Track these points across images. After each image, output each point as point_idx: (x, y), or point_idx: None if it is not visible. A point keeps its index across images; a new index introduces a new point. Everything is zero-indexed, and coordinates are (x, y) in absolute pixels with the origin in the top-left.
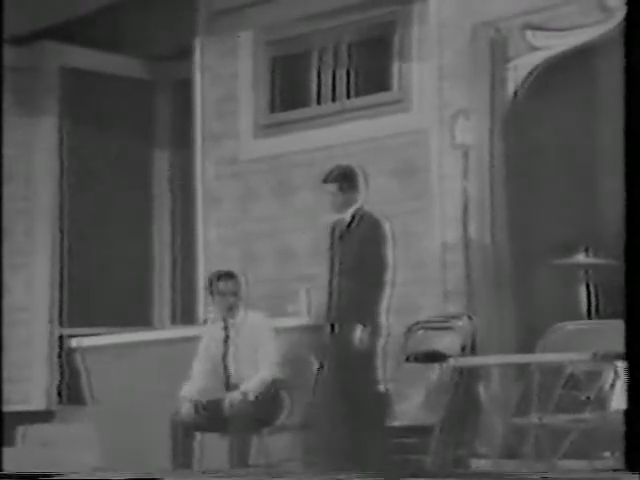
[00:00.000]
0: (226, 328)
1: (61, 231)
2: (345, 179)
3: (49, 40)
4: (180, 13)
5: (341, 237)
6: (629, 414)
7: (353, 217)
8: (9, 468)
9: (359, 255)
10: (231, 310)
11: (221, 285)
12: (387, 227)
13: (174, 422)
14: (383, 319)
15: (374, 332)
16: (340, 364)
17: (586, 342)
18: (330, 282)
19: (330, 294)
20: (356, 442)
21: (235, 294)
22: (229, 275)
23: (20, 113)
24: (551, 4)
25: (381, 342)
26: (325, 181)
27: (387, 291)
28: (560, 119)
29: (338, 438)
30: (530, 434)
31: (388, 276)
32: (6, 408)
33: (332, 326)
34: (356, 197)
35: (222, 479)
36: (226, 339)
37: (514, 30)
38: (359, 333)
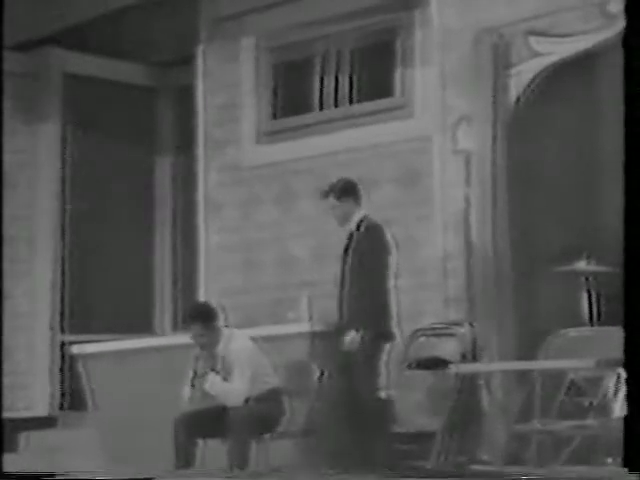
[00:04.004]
0: (213, 357)
1: (63, 238)
2: (344, 191)
3: (52, 46)
4: (182, 20)
5: (348, 246)
6: (629, 419)
7: (358, 226)
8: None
9: (362, 263)
10: (206, 347)
11: (189, 330)
12: (389, 235)
13: (176, 428)
14: (391, 326)
15: (380, 338)
16: (344, 370)
17: (587, 349)
18: (340, 291)
19: (340, 303)
20: (358, 448)
21: (204, 334)
22: (193, 318)
23: (23, 119)
24: (553, 10)
25: (387, 348)
26: (326, 195)
27: (392, 298)
28: (562, 125)
29: (339, 444)
30: (532, 440)
31: (391, 283)
32: (9, 414)
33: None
34: (357, 208)
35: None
36: (212, 369)
37: (517, 36)
38: (351, 337)
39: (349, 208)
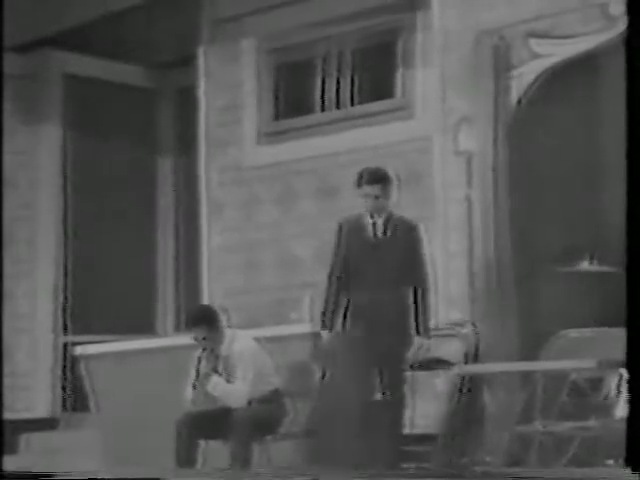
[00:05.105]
0: (216, 358)
1: (64, 238)
2: (386, 182)
3: (52, 48)
4: (183, 21)
5: (376, 244)
6: (630, 420)
7: (386, 222)
8: None
9: (404, 261)
10: (207, 350)
11: (192, 333)
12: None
13: (178, 429)
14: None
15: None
16: (353, 370)
17: (589, 349)
18: (376, 289)
19: (371, 302)
20: (361, 449)
21: (208, 337)
22: (195, 321)
23: (23, 120)
24: (554, 12)
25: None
26: (370, 182)
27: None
28: (564, 126)
29: (341, 445)
30: (534, 442)
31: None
32: (10, 416)
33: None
34: (389, 202)
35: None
36: (214, 371)
37: (517, 38)
38: (418, 342)
39: (385, 202)
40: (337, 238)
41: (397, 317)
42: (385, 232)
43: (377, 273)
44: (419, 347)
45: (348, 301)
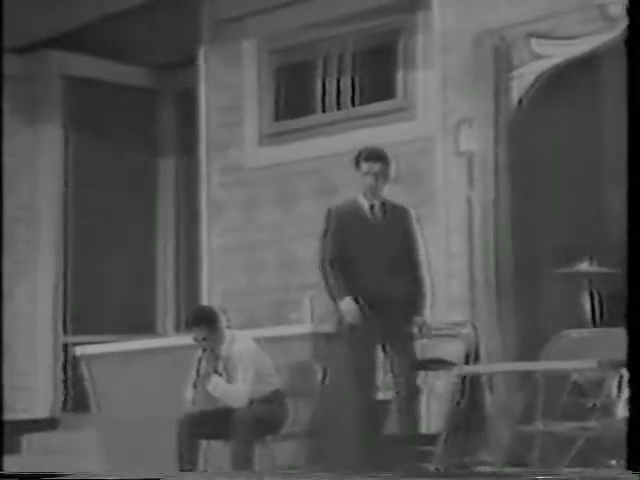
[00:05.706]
0: (216, 359)
1: (64, 239)
2: (386, 162)
3: (53, 49)
4: (184, 22)
5: (377, 225)
6: (632, 420)
7: (383, 205)
8: None
9: (402, 244)
10: (207, 351)
11: (192, 334)
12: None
13: (179, 429)
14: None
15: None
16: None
17: (590, 350)
18: (380, 267)
19: (376, 285)
20: (360, 450)
21: (208, 337)
22: (195, 322)
23: (23, 121)
24: (555, 12)
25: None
26: (369, 160)
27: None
28: (564, 127)
29: (342, 445)
30: (536, 442)
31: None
32: (11, 416)
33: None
34: (385, 184)
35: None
36: (214, 371)
37: (518, 38)
38: (419, 326)
39: (385, 182)
40: (327, 223)
41: (403, 299)
42: (384, 215)
43: (381, 255)
44: (421, 325)
45: (347, 287)
